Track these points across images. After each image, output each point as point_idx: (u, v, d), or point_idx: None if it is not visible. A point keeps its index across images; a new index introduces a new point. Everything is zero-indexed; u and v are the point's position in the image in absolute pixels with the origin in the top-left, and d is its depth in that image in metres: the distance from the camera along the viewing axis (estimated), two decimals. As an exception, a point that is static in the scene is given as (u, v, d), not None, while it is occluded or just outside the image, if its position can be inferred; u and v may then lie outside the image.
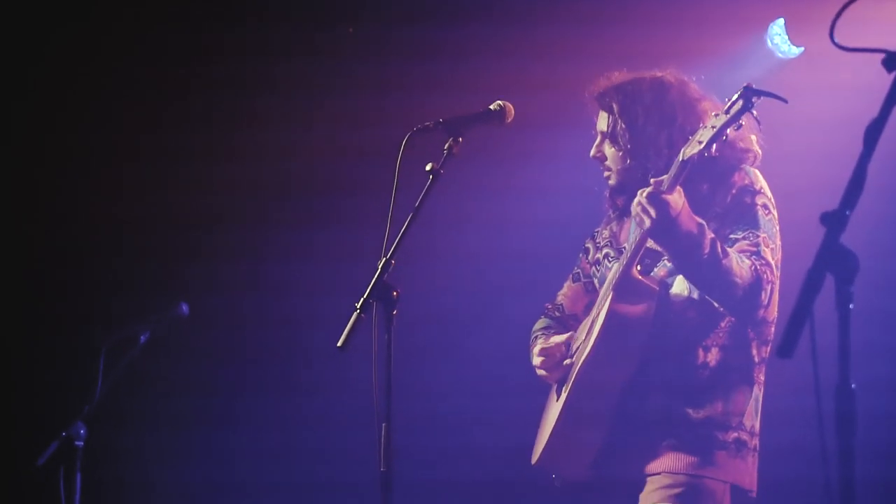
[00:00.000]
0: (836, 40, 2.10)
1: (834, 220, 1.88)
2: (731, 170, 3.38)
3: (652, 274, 3.39)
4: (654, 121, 3.41)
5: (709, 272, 3.16)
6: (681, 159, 3.16)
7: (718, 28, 5.11)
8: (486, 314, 5.28)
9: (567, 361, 3.46)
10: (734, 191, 3.34)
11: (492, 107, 3.29)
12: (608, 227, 3.66)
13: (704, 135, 3.13)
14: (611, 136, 3.47)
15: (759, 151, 3.46)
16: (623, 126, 3.43)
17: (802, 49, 5.14)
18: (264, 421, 5.46)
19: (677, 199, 3.13)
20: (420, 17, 5.40)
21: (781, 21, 5.17)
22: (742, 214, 3.31)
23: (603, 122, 3.51)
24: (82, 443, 3.89)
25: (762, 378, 3.39)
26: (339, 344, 2.93)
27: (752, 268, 3.20)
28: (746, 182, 3.36)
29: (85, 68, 5.32)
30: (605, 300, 3.37)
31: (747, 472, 3.34)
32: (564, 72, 4.88)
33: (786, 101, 3.12)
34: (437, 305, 5.29)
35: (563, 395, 3.42)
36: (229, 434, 5.45)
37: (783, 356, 1.84)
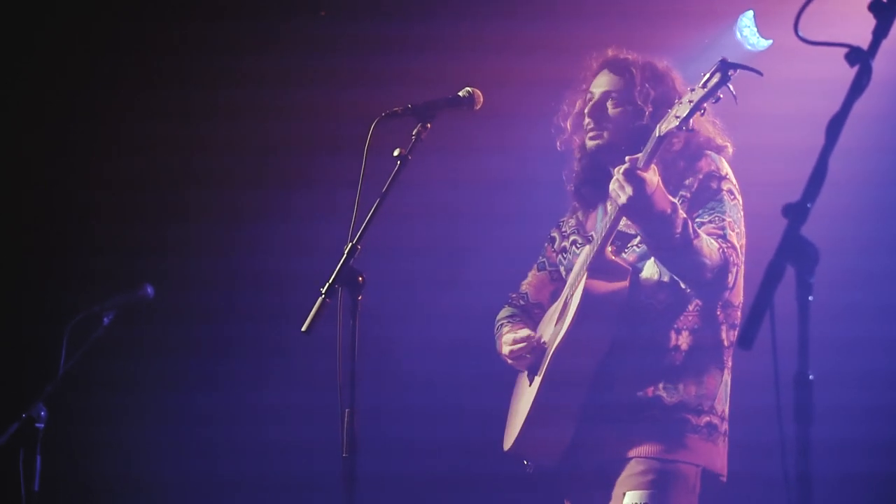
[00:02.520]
0: (801, 34, 2.12)
1: (795, 212, 1.89)
2: (698, 156, 3.41)
3: (622, 256, 3.41)
4: (664, 96, 3.43)
5: (680, 252, 3.17)
6: (657, 135, 3.16)
7: (688, 19, 5.12)
8: (453, 303, 5.28)
9: (542, 341, 3.47)
10: (701, 176, 3.37)
11: (461, 93, 3.29)
12: (574, 216, 3.68)
13: (681, 110, 3.12)
14: (623, 95, 3.44)
15: (729, 145, 3.49)
16: (648, 88, 3.42)
17: (771, 42, 5.17)
18: (232, 412, 5.44)
19: (652, 176, 3.14)
20: (391, 8, 5.39)
21: (751, 13, 5.19)
22: (708, 199, 3.34)
23: (610, 82, 3.49)
24: (43, 424, 3.87)
25: (730, 363, 3.42)
26: (303, 328, 2.93)
27: (720, 249, 3.22)
28: (713, 168, 3.39)
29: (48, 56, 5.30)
30: (579, 282, 3.38)
31: (718, 456, 3.37)
32: (534, 63, 4.89)
33: (761, 74, 3.09)
34: (404, 295, 5.29)
35: (537, 382, 3.42)
36: (192, 424, 5.43)
37: (743, 347, 1.85)
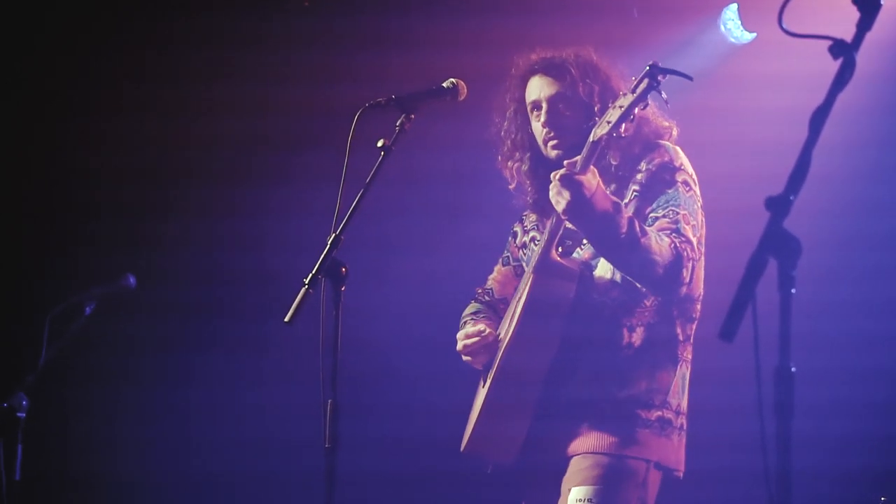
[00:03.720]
0: (785, 26, 2.12)
1: (778, 205, 1.90)
2: (653, 146, 3.36)
3: (574, 256, 3.38)
4: (606, 87, 3.40)
5: (627, 252, 3.12)
6: (591, 140, 3.14)
7: (671, 12, 5.12)
8: (432, 301, 5.28)
9: (499, 338, 3.44)
10: (653, 168, 3.31)
11: (444, 84, 3.28)
12: (535, 211, 3.61)
13: (613, 115, 3.10)
14: (570, 96, 3.38)
15: (673, 126, 3.43)
16: (590, 83, 3.37)
17: (755, 35, 5.18)
18: (215, 407, 5.44)
19: (591, 179, 3.11)
20: (378, 3, 5.39)
21: (735, 6, 5.20)
22: (661, 191, 3.28)
23: (552, 85, 3.42)
24: (24, 414, 3.86)
25: (688, 356, 3.38)
26: (286, 319, 2.92)
27: (672, 245, 3.16)
28: (666, 159, 3.32)
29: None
30: (527, 283, 3.35)
31: (672, 451, 3.32)
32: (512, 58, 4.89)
33: (691, 79, 3.09)
34: (382, 294, 5.29)
35: (488, 381, 3.40)
36: (179, 422, 5.43)
37: (725, 339, 1.85)
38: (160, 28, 5.29)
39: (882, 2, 2.06)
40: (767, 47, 5.02)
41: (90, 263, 5.11)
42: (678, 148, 3.39)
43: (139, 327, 5.31)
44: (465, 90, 3.28)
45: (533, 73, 3.48)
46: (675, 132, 3.44)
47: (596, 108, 3.34)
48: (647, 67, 3.06)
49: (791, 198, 1.90)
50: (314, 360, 2.90)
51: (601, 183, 3.14)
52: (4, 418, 3.84)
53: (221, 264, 5.46)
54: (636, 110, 3.08)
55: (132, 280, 4.18)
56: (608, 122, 3.11)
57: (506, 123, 3.56)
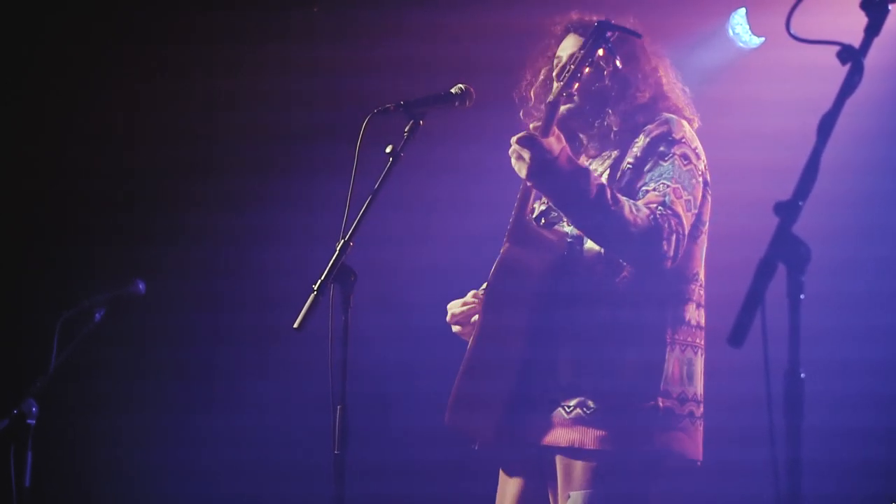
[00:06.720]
0: (793, 32, 2.12)
1: (787, 210, 1.90)
2: (651, 118, 3.24)
3: (558, 228, 3.24)
4: (630, 55, 3.33)
5: (596, 218, 2.99)
6: (549, 100, 3.10)
7: (679, 16, 5.12)
8: (442, 295, 5.27)
9: (475, 318, 3.32)
10: (648, 140, 3.19)
11: (453, 90, 3.25)
12: (537, 202, 3.44)
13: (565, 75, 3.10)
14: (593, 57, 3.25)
15: (696, 119, 3.33)
16: (618, 51, 3.23)
17: (763, 39, 5.17)
18: (222, 403, 5.45)
19: (553, 142, 3.01)
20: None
21: (743, 11, 5.19)
22: (655, 164, 3.15)
23: (576, 45, 3.30)
24: (34, 420, 3.87)
25: (698, 341, 3.20)
26: (295, 325, 2.92)
27: (651, 216, 3.00)
28: (663, 130, 3.20)
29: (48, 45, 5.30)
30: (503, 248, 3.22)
31: (688, 441, 3.13)
32: (526, 53, 4.89)
33: (639, 36, 3.10)
34: (392, 286, 5.29)
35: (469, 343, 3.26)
36: (183, 416, 5.43)
37: (734, 345, 1.85)
38: (174, 23, 5.30)
39: (890, 7, 2.06)
40: (776, 52, 5.02)
41: (100, 260, 5.13)
42: (684, 122, 3.25)
43: (150, 322, 5.30)
44: (474, 96, 3.26)
45: (566, 32, 3.43)
46: (696, 124, 3.32)
47: (606, 72, 3.25)
48: (595, 24, 3.09)
49: (800, 203, 1.90)
50: (323, 356, 2.89)
51: (568, 149, 3.05)
52: (15, 425, 3.85)
53: (232, 258, 5.46)
54: (586, 70, 3.08)
55: (141, 286, 4.19)
56: (560, 82, 3.11)
57: (533, 79, 3.46)
